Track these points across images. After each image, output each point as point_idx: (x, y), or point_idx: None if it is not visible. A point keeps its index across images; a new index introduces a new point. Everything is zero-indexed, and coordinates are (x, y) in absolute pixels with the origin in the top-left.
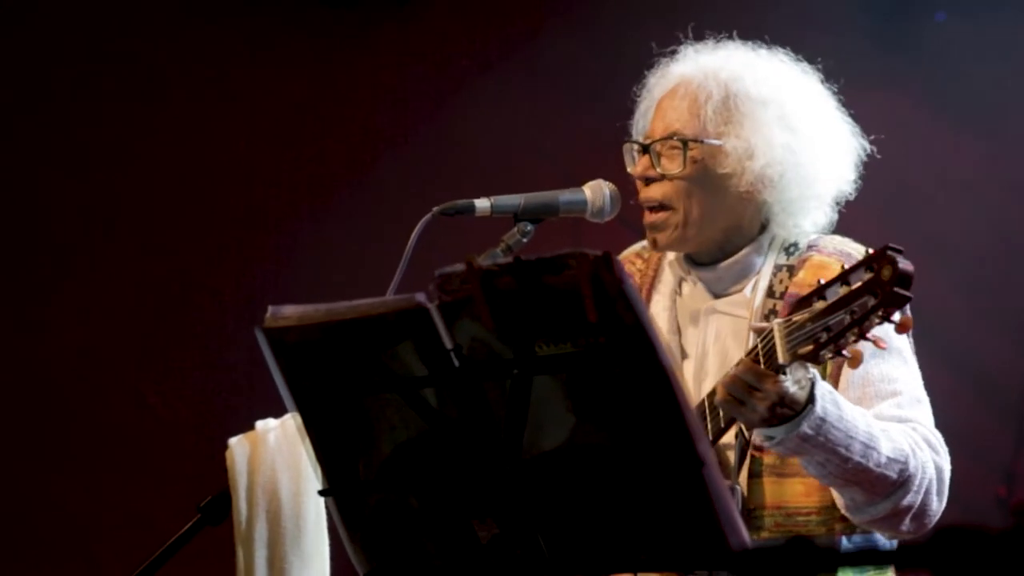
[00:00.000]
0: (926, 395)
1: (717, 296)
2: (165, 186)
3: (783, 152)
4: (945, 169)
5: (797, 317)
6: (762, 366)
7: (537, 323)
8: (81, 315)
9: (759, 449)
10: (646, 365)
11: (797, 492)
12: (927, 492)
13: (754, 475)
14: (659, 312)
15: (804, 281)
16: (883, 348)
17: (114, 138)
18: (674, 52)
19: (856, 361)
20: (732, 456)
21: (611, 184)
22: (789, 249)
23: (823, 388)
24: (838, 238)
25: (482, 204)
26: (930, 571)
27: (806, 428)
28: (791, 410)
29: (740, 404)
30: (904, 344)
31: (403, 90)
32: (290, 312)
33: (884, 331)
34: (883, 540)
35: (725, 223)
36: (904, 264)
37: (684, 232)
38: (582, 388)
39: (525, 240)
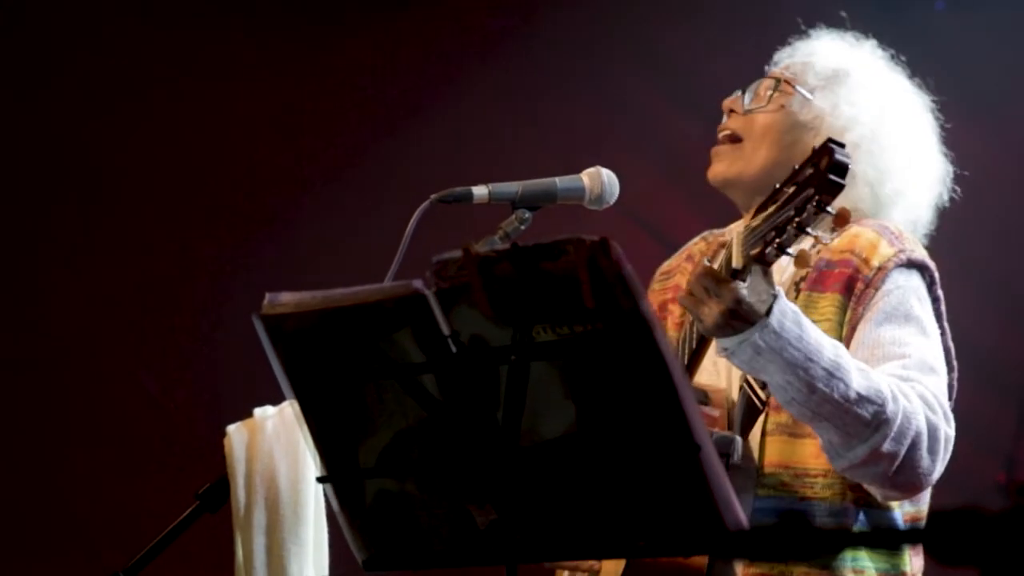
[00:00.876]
0: (943, 368)
1: None
2: (164, 176)
3: (865, 128)
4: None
5: (754, 222)
6: (717, 269)
7: (535, 309)
8: (78, 304)
9: (772, 408)
10: (643, 350)
11: (807, 453)
12: (914, 446)
13: (766, 433)
14: None
15: (836, 247)
16: (823, 245)
17: (111, 131)
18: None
19: (803, 261)
20: (738, 412)
21: (609, 171)
22: (834, 228)
23: (786, 306)
24: (889, 219)
25: (480, 191)
26: (926, 551)
27: (758, 339)
28: (746, 320)
29: (697, 305)
30: (927, 317)
31: (401, 78)
32: (287, 299)
33: (903, 299)
34: (898, 517)
35: (785, 176)
36: (840, 155)
37: (744, 167)
38: (580, 374)
39: (523, 227)
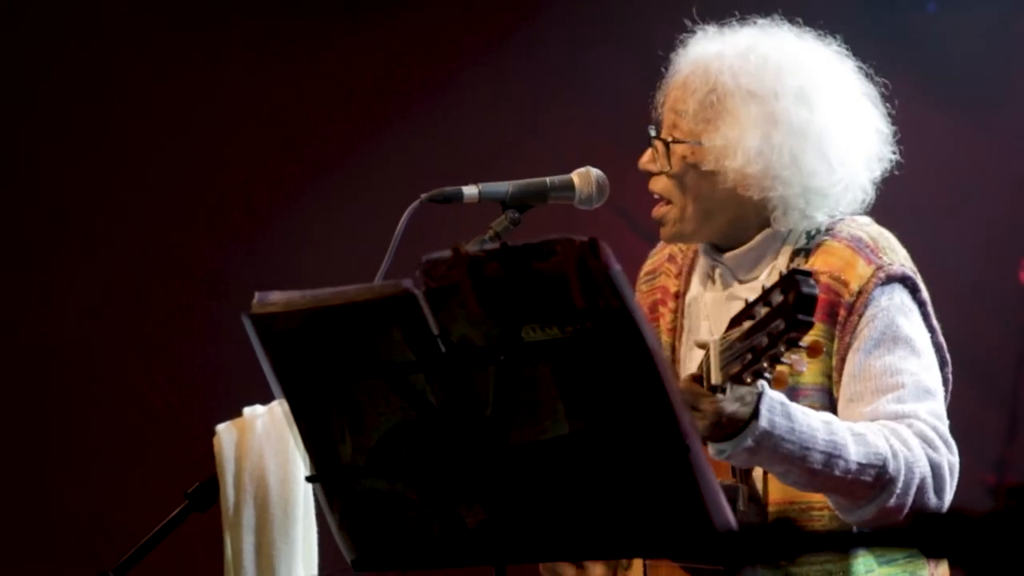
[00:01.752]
0: (939, 385)
1: (741, 282)
2: (157, 179)
3: (763, 150)
4: (934, 158)
5: (730, 335)
6: (703, 385)
7: (524, 309)
8: (70, 304)
9: None
10: (632, 350)
11: None
12: (920, 491)
13: (767, 472)
14: (695, 293)
15: (814, 268)
16: (799, 372)
17: (106, 133)
18: (689, 36)
19: (781, 383)
20: None
21: (599, 171)
22: (810, 233)
23: (771, 401)
24: (858, 221)
25: (470, 191)
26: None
27: (750, 442)
28: (733, 427)
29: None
30: (916, 332)
31: (392, 78)
32: (277, 298)
33: (889, 322)
34: None
35: (725, 217)
36: (806, 288)
37: (683, 227)
38: (569, 373)
39: (513, 227)
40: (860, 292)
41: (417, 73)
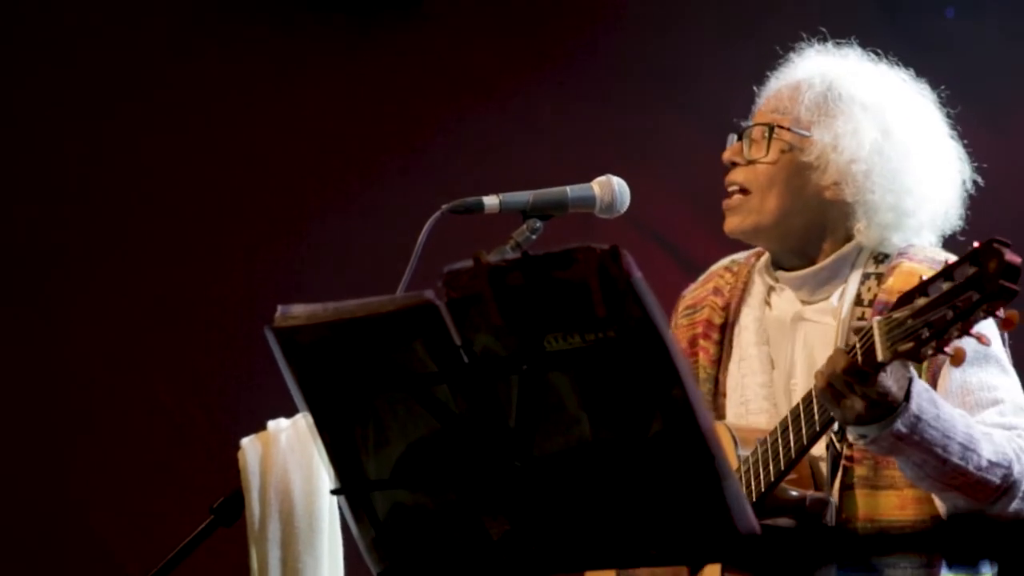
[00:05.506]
0: None
1: (805, 304)
2: (180, 189)
3: (872, 152)
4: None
5: (898, 314)
6: (860, 363)
7: (546, 318)
8: (94, 318)
9: (851, 460)
10: (655, 357)
11: (891, 505)
12: None
13: (846, 487)
14: (748, 323)
15: (894, 288)
16: (986, 344)
17: (129, 143)
18: (796, 50)
19: (959, 359)
20: (825, 468)
21: (620, 179)
22: (879, 258)
23: (920, 386)
24: (930, 247)
25: (491, 201)
26: (941, 556)
27: (900, 426)
28: (887, 409)
29: (838, 400)
30: (1001, 353)
31: (413, 89)
32: (299, 311)
33: (986, 333)
34: (986, 565)
35: (804, 220)
36: (1011, 256)
37: (757, 219)
38: (592, 382)
39: (534, 237)
40: None
41: (438, 86)
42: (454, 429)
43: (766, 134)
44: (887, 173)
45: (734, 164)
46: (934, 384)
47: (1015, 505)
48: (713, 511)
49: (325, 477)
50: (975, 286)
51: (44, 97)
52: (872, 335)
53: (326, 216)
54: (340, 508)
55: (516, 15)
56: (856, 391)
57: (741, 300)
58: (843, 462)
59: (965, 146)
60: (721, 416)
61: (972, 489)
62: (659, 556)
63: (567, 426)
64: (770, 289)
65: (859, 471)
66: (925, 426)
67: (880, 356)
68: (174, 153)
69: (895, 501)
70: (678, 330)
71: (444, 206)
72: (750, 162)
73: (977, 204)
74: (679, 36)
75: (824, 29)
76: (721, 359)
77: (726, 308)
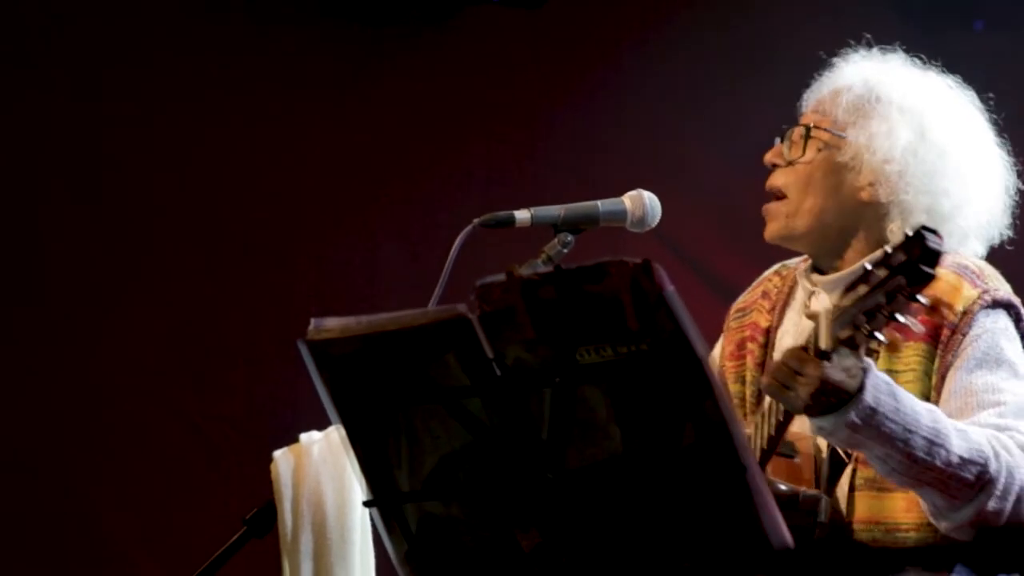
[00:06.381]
0: None
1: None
2: (213, 202)
3: (906, 153)
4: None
5: (843, 302)
6: (804, 352)
7: (578, 332)
8: (124, 331)
9: (857, 461)
10: (688, 371)
11: (897, 508)
12: (1020, 500)
13: (852, 488)
14: (789, 327)
15: None
16: (916, 332)
17: (156, 157)
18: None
19: (895, 346)
20: (827, 467)
21: (651, 194)
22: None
23: (878, 379)
24: (962, 253)
25: (522, 215)
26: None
27: (854, 417)
28: (837, 398)
29: (784, 389)
30: (1018, 356)
31: (446, 104)
32: (333, 324)
33: (993, 343)
34: None
35: (840, 222)
36: (933, 243)
37: (792, 222)
38: (624, 396)
39: (565, 250)
40: (965, 313)
41: (464, 100)
42: (486, 442)
43: (804, 135)
44: (921, 174)
45: (775, 166)
46: (942, 385)
47: (994, 504)
48: (745, 525)
49: (357, 489)
50: (902, 271)
51: (79, 104)
52: (819, 324)
53: (358, 229)
54: (372, 520)
55: (548, 32)
56: (800, 379)
57: (786, 304)
58: (850, 464)
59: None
60: None
61: (944, 486)
62: (692, 570)
63: (599, 439)
64: (810, 293)
65: (865, 473)
66: (883, 418)
67: (823, 344)
68: (206, 166)
69: (901, 503)
70: (728, 333)
71: (476, 220)
72: (789, 163)
73: (1015, 218)
74: (708, 54)
75: (845, 44)
76: (764, 362)
77: (772, 311)
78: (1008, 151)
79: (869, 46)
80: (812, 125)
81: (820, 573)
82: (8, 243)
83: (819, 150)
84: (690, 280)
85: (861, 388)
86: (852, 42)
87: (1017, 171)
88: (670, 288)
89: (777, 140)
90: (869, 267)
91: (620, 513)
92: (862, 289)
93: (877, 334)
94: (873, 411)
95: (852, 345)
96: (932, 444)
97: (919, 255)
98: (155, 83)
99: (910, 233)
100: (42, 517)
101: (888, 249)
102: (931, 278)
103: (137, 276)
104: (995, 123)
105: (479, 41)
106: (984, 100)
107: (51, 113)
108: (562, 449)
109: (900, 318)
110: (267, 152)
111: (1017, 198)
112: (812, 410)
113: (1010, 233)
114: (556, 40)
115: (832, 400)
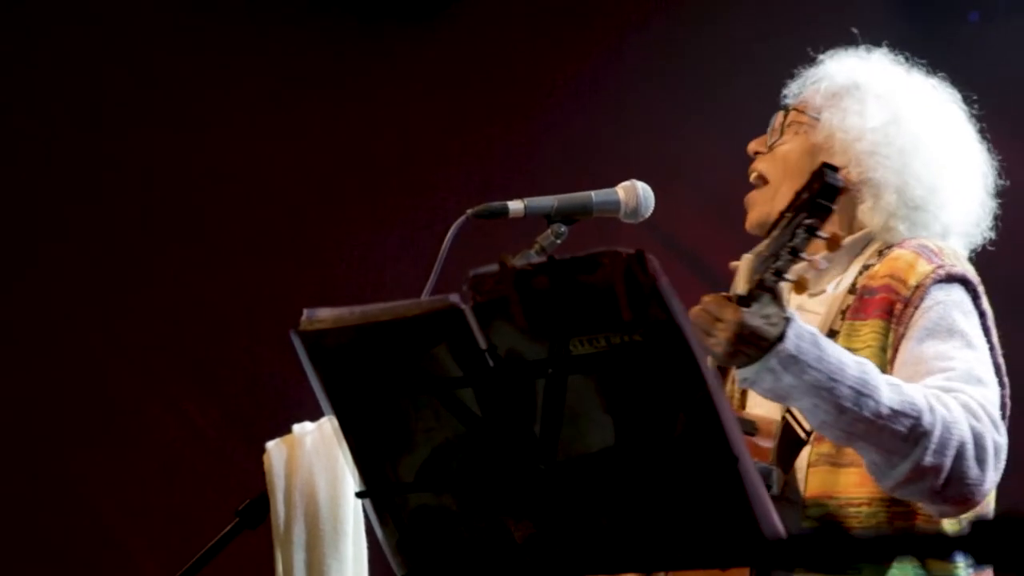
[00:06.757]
0: (992, 379)
1: (811, 296)
2: (204, 195)
3: (877, 133)
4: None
5: (760, 247)
6: (722, 297)
7: (571, 322)
8: (117, 324)
9: (816, 440)
10: (680, 362)
11: (850, 482)
12: (959, 456)
13: (811, 464)
14: None
15: (877, 273)
16: (817, 269)
17: (152, 154)
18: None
19: (802, 287)
20: (778, 443)
21: (644, 184)
22: (883, 252)
23: (801, 328)
24: (930, 238)
25: (515, 206)
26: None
27: (775, 364)
28: (757, 346)
29: (705, 335)
30: (973, 330)
31: (439, 95)
32: (325, 315)
33: (944, 314)
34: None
35: None
36: (830, 178)
37: (771, 208)
38: (617, 386)
39: (559, 241)
40: (918, 286)
41: (457, 92)
42: (479, 432)
43: (783, 121)
44: (891, 154)
45: (757, 154)
46: (895, 357)
47: (931, 459)
48: (737, 514)
49: (350, 480)
50: (805, 207)
51: (72, 104)
52: (740, 271)
53: (351, 220)
54: (365, 511)
55: (542, 24)
56: (719, 324)
57: None
58: (808, 442)
59: (993, 152)
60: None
61: (877, 439)
62: (684, 559)
63: (592, 429)
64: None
65: (821, 448)
66: (804, 366)
67: (739, 288)
68: (198, 160)
69: (854, 478)
70: None
71: (469, 210)
72: (770, 149)
73: (1007, 209)
74: (705, 45)
75: (840, 36)
76: None
77: None
78: (988, 147)
79: (858, 43)
80: (791, 108)
81: (812, 562)
82: (7, 240)
83: (796, 133)
84: (683, 271)
85: (782, 336)
86: (850, 36)
87: (1010, 165)
88: (664, 279)
89: (765, 134)
90: (781, 211)
91: (612, 503)
92: (775, 232)
93: (786, 275)
94: (794, 358)
95: (762, 287)
96: (859, 394)
97: (818, 189)
98: (150, 80)
99: (814, 170)
100: (41, 511)
101: (796, 190)
102: (829, 211)
103: (133, 273)
104: (990, 113)
105: (472, 32)
106: (968, 100)
107: (50, 111)
108: (555, 439)
109: (804, 256)
110: (263, 147)
111: (1006, 197)
112: (734, 358)
113: (993, 235)
114: (550, 29)
115: (752, 348)
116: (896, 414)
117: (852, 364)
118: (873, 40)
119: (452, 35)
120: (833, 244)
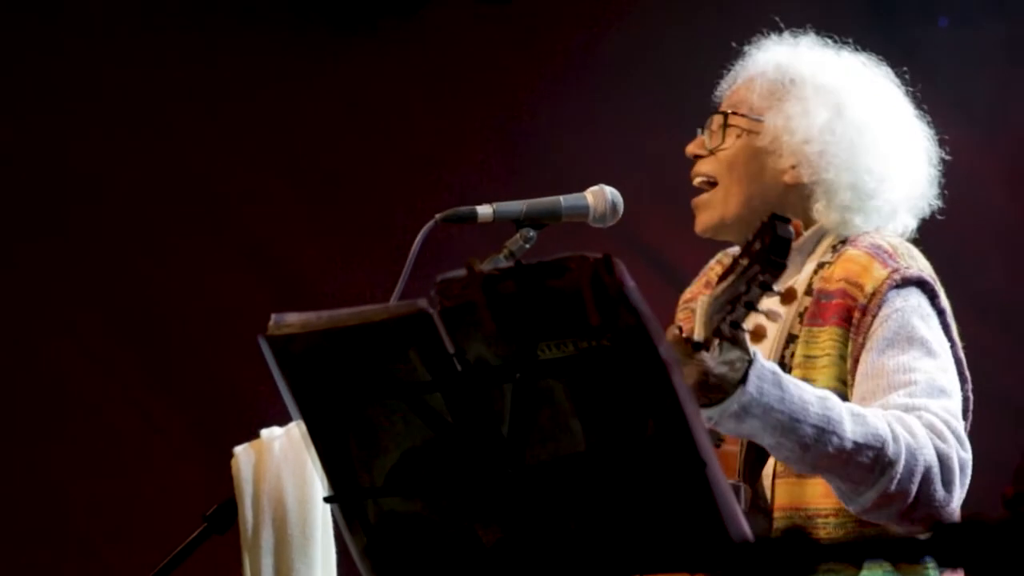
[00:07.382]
0: (955, 387)
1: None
2: (171, 196)
3: (824, 132)
4: (946, 172)
5: (716, 291)
6: (682, 344)
7: (539, 327)
8: (83, 327)
9: None
10: (648, 366)
11: (816, 493)
12: (925, 481)
13: (776, 476)
14: None
15: (832, 276)
16: (773, 321)
17: (110, 158)
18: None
19: (758, 336)
20: (743, 456)
21: (613, 189)
22: (836, 247)
23: (763, 369)
24: (883, 232)
25: (484, 211)
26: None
27: (736, 407)
28: (721, 389)
29: None
30: (933, 335)
31: (408, 97)
32: (293, 320)
33: (904, 322)
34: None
35: (767, 208)
36: (781, 231)
37: (723, 211)
38: (585, 391)
39: (528, 246)
40: (874, 293)
41: (426, 92)
42: (447, 437)
43: (722, 123)
44: (841, 152)
45: (697, 157)
46: (856, 368)
47: (896, 486)
48: (705, 518)
49: (318, 485)
50: (757, 260)
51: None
52: (697, 315)
53: (319, 225)
54: (333, 516)
55: (510, 26)
56: (685, 373)
57: None
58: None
59: (955, 154)
60: None
61: (842, 471)
62: (653, 563)
63: (560, 434)
64: None
65: None
66: (767, 408)
67: (697, 334)
68: (163, 159)
69: (821, 489)
70: (680, 322)
71: (437, 215)
72: (711, 152)
73: (968, 207)
74: (672, 48)
75: (810, 38)
76: None
77: None
78: (929, 122)
79: (781, 32)
80: (730, 112)
81: (783, 568)
82: None
83: (738, 136)
84: (651, 275)
85: (744, 379)
86: (819, 37)
87: (1011, 165)
88: (631, 283)
89: (699, 132)
90: (736, 257)
91: (581, 508)
92: (730, 278)
93: (743, 325)
94: (756, 401)
95: (720, 335)
96: (823, 431)
97: (770, 243)
98: (111, 83)
99: (763, 220)
100: (8, 514)
101: (748, 237)
102: (782, 267)
103: (99, 275)
104: (955, 115)
105: (442, 34)
106: (929, 100)
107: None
108: (523, 444)
109: (759, 308)
110: (232, 151)
111: (948, 171)
112: (699, 401)
113: (940, 203)
114: (526, 34)
115: (716, 393)
116: (860, 447)
117: (814, 401)
118: (838, 42)
119: (422, 39)
120: (789, 298)
